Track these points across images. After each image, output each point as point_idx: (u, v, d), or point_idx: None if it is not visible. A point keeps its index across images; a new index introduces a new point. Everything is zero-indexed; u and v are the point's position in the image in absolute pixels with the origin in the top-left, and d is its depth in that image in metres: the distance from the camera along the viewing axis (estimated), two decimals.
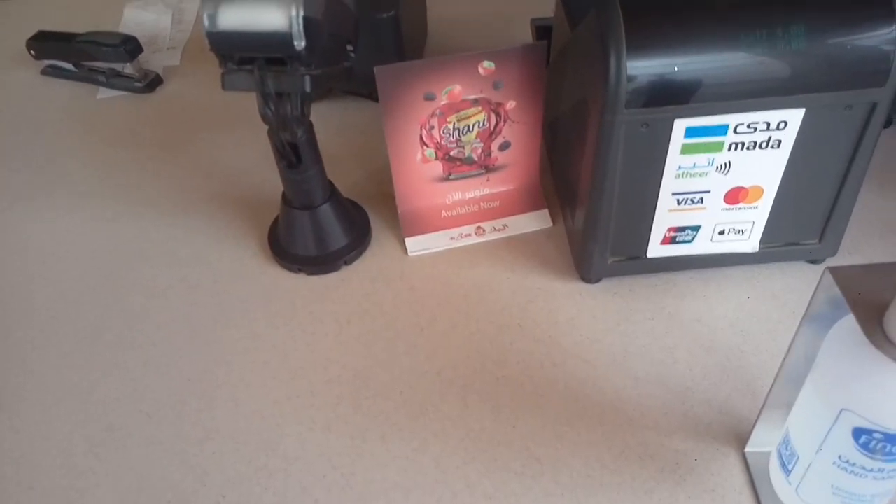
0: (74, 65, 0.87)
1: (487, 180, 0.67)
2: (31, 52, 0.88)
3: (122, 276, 0.66)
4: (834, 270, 0.37)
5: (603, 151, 0.52)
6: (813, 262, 0.62)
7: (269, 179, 0.63)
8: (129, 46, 0.83)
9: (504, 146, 0.65)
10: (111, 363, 0.59)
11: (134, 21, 0.97)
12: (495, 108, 0.62)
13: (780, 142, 0.52)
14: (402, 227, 0.66)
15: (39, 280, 0.66)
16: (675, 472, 0.50)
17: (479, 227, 0.67)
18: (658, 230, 0.57)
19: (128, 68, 0.85)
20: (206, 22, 0.50)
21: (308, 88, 0.53)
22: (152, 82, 0.86)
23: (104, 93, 0.86)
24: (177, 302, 0.63)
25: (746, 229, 0.58)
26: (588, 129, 0.53)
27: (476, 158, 0.65)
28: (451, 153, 0.64)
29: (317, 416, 0.54)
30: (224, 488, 0.51)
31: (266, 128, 0.57)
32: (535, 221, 0.67)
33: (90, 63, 0.86)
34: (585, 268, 0.61)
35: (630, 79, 0.48)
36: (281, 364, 0.58)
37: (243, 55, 0.52)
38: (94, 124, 0.82)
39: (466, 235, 0.67)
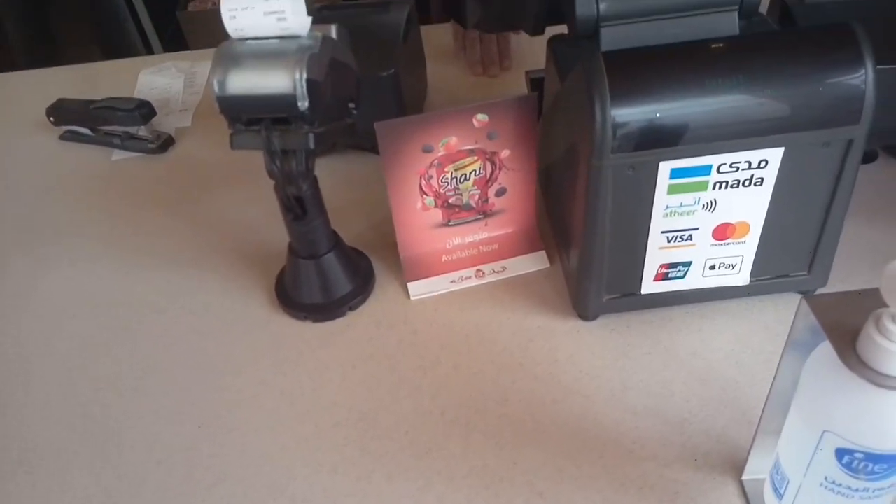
0: (91, 129, 0.91)
1: (486, 225, 0.69)
2: (51, 119, 0.92)
3: (135, 329, 0.68)
4: (809, 299, 0.39)
5: (593, 194, 0.54)
6: (804, 293, 0.63)
7: (275, 233, 0.65)
8: (144, 110, 0.87)
9: (500, 192, 0.68)
10: (126, 412, 0.61)
11: (148, 86, 1.02)
12: (490, 157, 0.65)
13: (762, 179, 0.54)
14: (404, 272, 0.69)
15: (55, 333, 0.69)
16: (675, 502, 0.51)
17: (478, 270, 0.69)
18: (650, 267, 0.59)
19: (142, 131, 0.88)
20: (215, 87, 0.53)
21: (312, 145, 0.55)
22: (165, 143, 0.90)
23: (119, 154, 0.90)
24: (188, 351, 0.65)
25: (736, 264, 0.60)
26: (578, 174, 0.56)
27: (474, 205, 0.68)
28: (450, 200, 0.67)
29: (323, 458, 0.56)
30: None
31: (273, 183, 0.60)
32: (532, 263, 0.69)
33: (106, 127, 0.89)
34: (582, 306, 0.63)
35: (615, 126, 0.51)
36: (288, 409, 0.60)
37: (250, 116, 0.55)
38: (110, 185, 0.86)
39: (467, 278, 0.69)
